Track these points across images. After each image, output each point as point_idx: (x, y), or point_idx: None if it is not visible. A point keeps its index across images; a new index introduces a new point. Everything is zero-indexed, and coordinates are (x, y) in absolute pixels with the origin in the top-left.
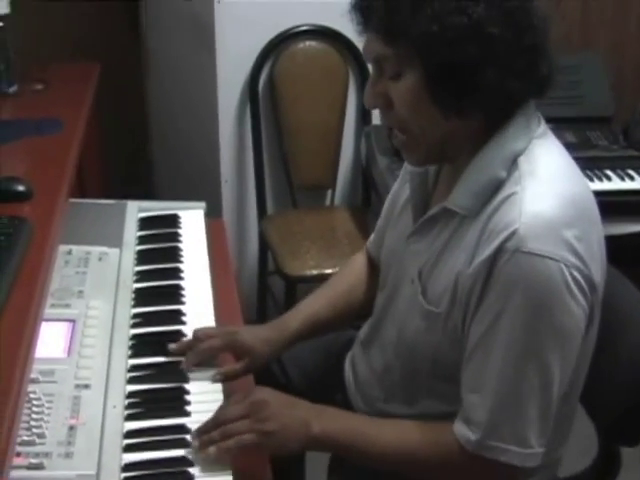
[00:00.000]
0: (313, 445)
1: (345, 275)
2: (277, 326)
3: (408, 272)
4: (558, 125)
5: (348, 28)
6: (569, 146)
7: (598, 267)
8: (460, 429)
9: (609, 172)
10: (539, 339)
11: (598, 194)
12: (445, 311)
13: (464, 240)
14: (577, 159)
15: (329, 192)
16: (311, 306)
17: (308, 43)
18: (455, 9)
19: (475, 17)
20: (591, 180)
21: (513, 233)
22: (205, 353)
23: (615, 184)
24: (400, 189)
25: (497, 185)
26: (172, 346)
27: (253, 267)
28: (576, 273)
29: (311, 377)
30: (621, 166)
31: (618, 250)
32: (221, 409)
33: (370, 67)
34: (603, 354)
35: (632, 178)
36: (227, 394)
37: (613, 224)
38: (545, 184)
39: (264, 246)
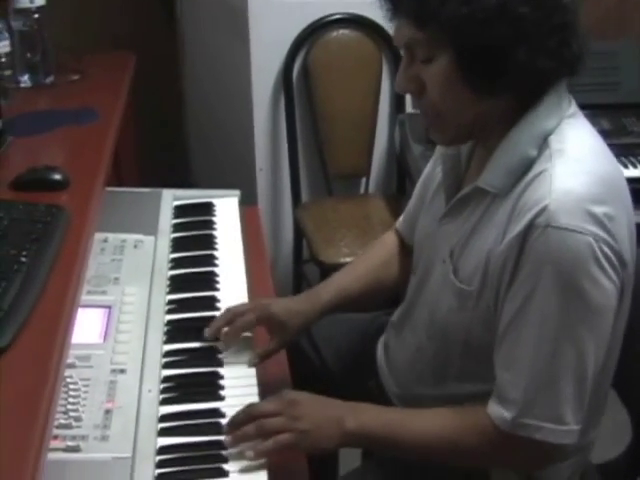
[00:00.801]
0: (349, 441)
1: (376, 251)
2: (309, 298)
3: (440, 253)
4: (593, 112)
5: (381, 16)
6: (604, 133)
7: (627, 246)
8: (494, 409)
9: None
10: (572, 314)
11: (632, 181)
12: (477, 289)
13: (495, 218)
14: (611, 146)
15: (363, 180)
16: (343, 279)
17: (341, 31)
18: None
19: None
20: (625, 167)
21: (544, 209)
22: (240, 330)
23: None
24: (432, 172)
25: (528, 164)
26: (207, 330)
27: (288, 255)
28: (606, 248)
29: (345, 360)
30: None
31: None
32: (254, 405)
33: (402, 53)
34: (635, 339)
35: None
36: (260, 378)
37: None
38: (575, 162)
39: (299, 234)
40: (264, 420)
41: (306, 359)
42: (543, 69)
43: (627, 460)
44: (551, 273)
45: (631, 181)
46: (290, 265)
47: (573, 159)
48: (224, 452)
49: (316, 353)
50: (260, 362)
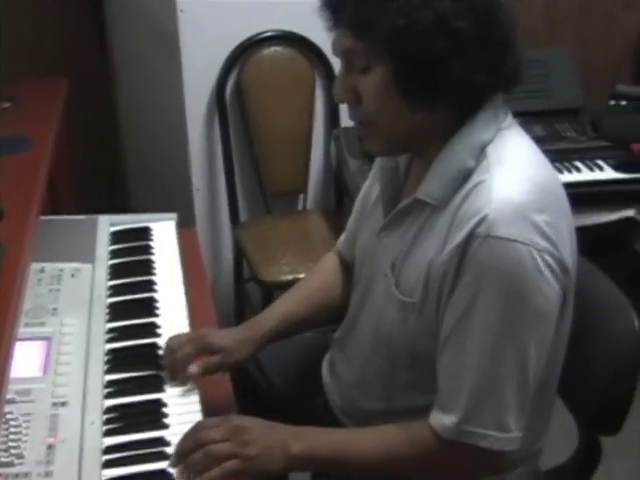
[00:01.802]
0: (294, 465)
1: (319, 273)
2: (252, 325)
3: (381, 267)
4: (526, 119)
5: (313, 32)
6: (538, 139)
7: (568, 252)
8: (437, 418)
9: (578, 163)
10: (514, 322)
11: (568, 186)
12: (419, 301)
13: (435, 229)
14: (546, 152)
15: (301, 196)
16: (286, 304)
17: (273, 49)
18: (421, 3)
19: (441, 12)
20: (561, 172)
21: (483, 219)
22: (181, 362)
23: (585, 175)
24: (371, 187)
25: (466, 174)
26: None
27: (229, 275)
28: (547, 256)
29: (291, 380)
30: (590, 157)
31: (591, 241)
32: (198, 429)
33: (338, 64)
34: (579, 347)
35: (601, 168)
36: (204, 403)
37: (584, 215)
38: (513, 171)
39: (239, 253)
40: (212, 447)
41: (251, 380)
42: (479, 83)
43: (575, 465)
44: (492, 282)
45: (567, 186)
46: (231, 285)
47: (511, 168)
48: None
49: (261, 374)
50: (201, 375)
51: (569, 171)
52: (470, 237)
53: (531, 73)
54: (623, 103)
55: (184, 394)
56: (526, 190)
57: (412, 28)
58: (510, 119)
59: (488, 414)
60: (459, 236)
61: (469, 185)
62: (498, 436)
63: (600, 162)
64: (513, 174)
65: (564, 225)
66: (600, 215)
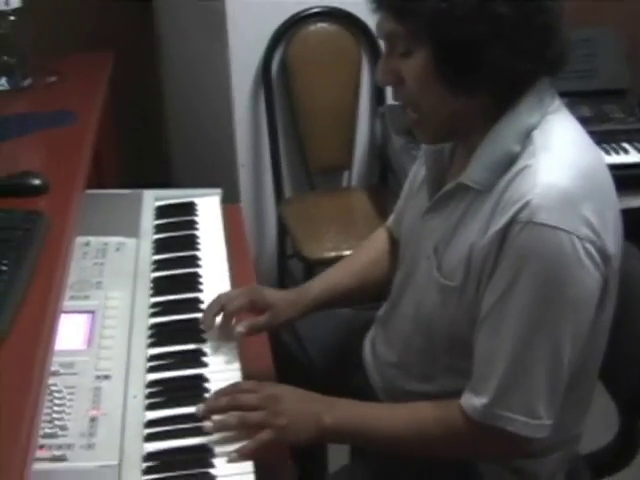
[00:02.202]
0: (325, 436)
1: (368, 248)
2: (298, 291)
3: (424, 249)
4: (573, 99)
5: (358, 8)
6: (584, 120)
7: (612, 239)
8: (467, 399)
9: (626, 145)
10: (550, 310)
11: (615, 167)
12: (460, 284)
13: (479, 213)
14: (593, 133)
15: (346, 173)
16: (333, 275)
17: (319, 25)
18: None
19: None
20: (607, 153)
21: (526, 204)
22: (234, 314)
23: (632, 157)
24: (418, 169)
25: (511, 159)
26: (204, 321)
27: (272, 251)
28: (588, 245)
29: (331, 356)
30: (638, 138)
31: (637, 223)
32: (235, 390)
33: (383, 45)
34: (621, 330)
35: None
36: (246, 378)
37: (631, 197)
38: (559, 157)
39: (282, 230)
40: (246, 414)
41: (292, 356)
42: (520, 69)
43: (614, 450)
44: (530, 269)
45: (614, 167)
46: (274, 261)
47: (557, 154)
48: (211, 458)
49: (302, 350)
50: (248, 334)
51: (616, 152)
52: (512, 222)
53: (578, 53)
54: None
55: (226, 368)
56: (571, 176)
57: (453, 12)
58: (557, 103)
59: (518, 399)
60: (502, 220)
61: (514, 170)
62: (527, 422)
63: None
64: (559, 160)
65: (609, 212)
66: None
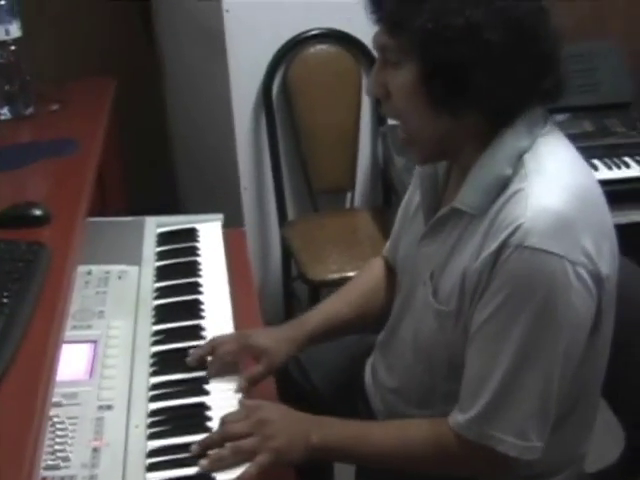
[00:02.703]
0: (314, 454)
1: (364, 277)
2: (295, 325)
3: (421, 275)
4: (575, 114)
5: (358, 30)
6: (586, 135)
7: (607, 260)
8: (455, 417)
9: (628, 159)
10: (540, 333)
11: (617, 182)
12: (455, 309)
13: (472, 238)
14: (595, 147)
15: (349, 194)
16: (330, 306)
17: (319, 47)
18: (454, 10)
19: (473, 20)
20: (609, 168)
21: (518, 228)
22: (223, 359)
23: (634, 171)
24: (412, 194)
25: (504, 183)
26: (189, 359)
27: (277, 273)
28: (580, 269)
29: (334, 383)
30: None
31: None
32: (224, 424)
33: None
34: (623, 348)
35: None
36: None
37: (634, 211)
38: (551, 179)
39: (287, 252)
40: (238, 443)
41: (294, 383)
42: (508, 96)
43: (621, 468)
44: (519, 292)
45: (616, 182)
46: (279, 283)
47: (549, 176)
48: None
49: (304, 377)
50: (249, 386)
51: (618, 167)
52: (503, 245)
53: (579, 67)
54: None
55: (228, 395)
56: (564, 199)
57: (441, 32)
58: (549, 125)
59: (507, 420)
60: (494, 244)
61: (507, 194)
62: (516, 443)
63: None
64: (551, 182)
65: (603, 233)
66: None
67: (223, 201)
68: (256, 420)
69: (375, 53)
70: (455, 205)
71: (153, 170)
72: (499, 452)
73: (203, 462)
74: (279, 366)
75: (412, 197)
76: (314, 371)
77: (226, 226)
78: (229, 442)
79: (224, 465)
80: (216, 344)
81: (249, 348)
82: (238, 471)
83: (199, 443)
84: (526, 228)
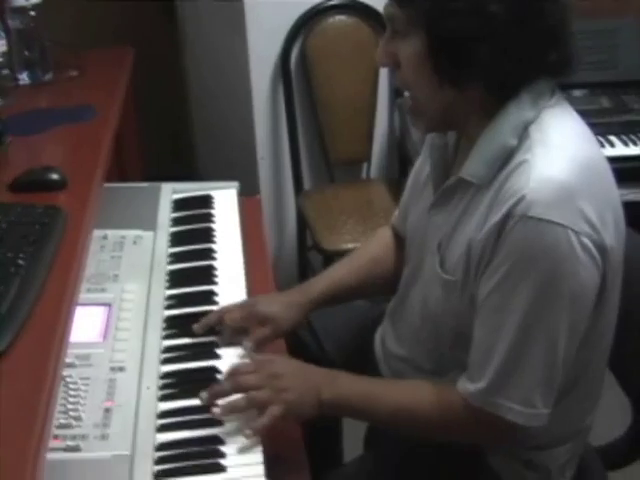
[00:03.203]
0: (325, 410)
1: (372, 245)
2: (300, 290)
3: (430, 244)
4: (593, 90)
5: (377, 1)
6: (604, 111)
7: (611, 231)
8: (462, 384)
9: None
10: (545, 303)
11: (634, 159)
12: (461, 279)
13: (478, 208)
14: (612, 124)
15: (365, 165)
16: (336, 272)
17: (338, 17)
18: None
19: None
20: (626, 145)
21: (521, 198)
22: (230, 326)
23: None
24: (422, 165)
25: (508, 153)
26: (196, 326)
27: (292, 243)
28: (585, 239)
29: (344, 349)
30: None
31: None
32: (234, 373)
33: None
34: (630, 323)
35: None
36: None
37: None
38: (556, 150)
39: (302, 222)
40: (253, 393)
41: (306, 349)
42: (513, 70)
43: (627, 442)
44: (524, 263)
45: (633, 159)
46: (294, 252)
47: (553, 147)
48: (222, 447)
49: (316, 343)
50: (255, 349)
51: (634, 143)
52: (508, 216)
53: (599, 44)
54: None
55: (239, 360)
56: (568, 169)
57: (447, 5)
58: (557, 97)
59: (513, 388)
60: (498, 215)
61: (512, 165)
62: (523, 411)
63: None
64: (555, 153)
65: (608, 204)
66: None
67: (240, 170)
68: (268, 373)
69: (384, 21)
70: (461, 175)
71: (171, 139)
72: (506, 420)
73: (216, 410)
74: (286, 330)
75: (422, 168)
76: (325, 337)
77: (242, 195)
78: (239, 393)
79: (236, 414)
80: (223, 313)
81: (256, 314)
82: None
83: (209, 391)
84: (530, 199)
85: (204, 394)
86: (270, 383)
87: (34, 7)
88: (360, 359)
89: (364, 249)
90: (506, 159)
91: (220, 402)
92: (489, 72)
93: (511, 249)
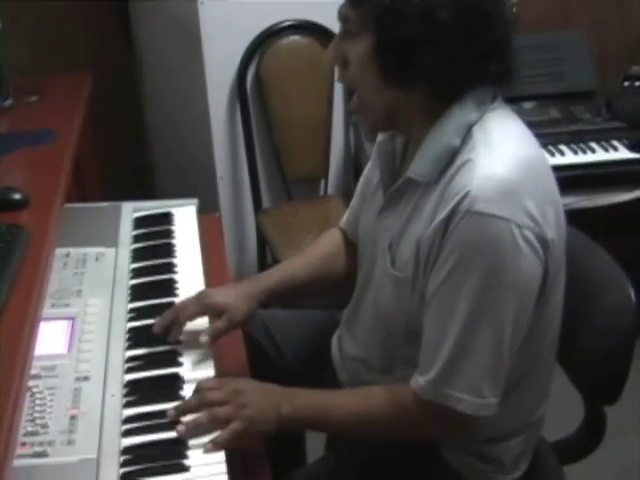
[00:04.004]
0: (285, 425)
1: (323, 243)
2: (253, 281)
3: (381, 246)
4: (542, 102)
5: (330, 21)
6: (553, 122)
7: (552, 225)
8: (414, 379)
9: (593, 144)
10: (490, 295)
11: (583, 166)
12: (411, 276)
13: (425, 207)
14: (562, 133)
15: (322, 182)
16: (288, 265)
17: (292, 38)
18: None
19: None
20: (575, 153)
21: (466, 195)
22: (185, 320)
23: (599, 155)
24: (371, 172)
25: (452, 153)
26: (155, 327)
27: (253, 260)
28: (527, 232)
29: (303, 354)
30: (605, 138)
31: (607, 221)
32: (200, 389)
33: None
34: (578, 320)
35: (616, 149)
36: (220, 376)
37: (600, 195)
38: (497, 149)
39: (262, 239)
40: (215, 409)
41: (265, 355)
42: (453, 74)
43: (581, 437)
44: (470, 256)
45: (582, 167)
46: (255, 270)
47: (495, 147)
48: (185, 448)
49: (275, 349)
50: (212, 341)
51: (584, 152)
52: (453, 212)
53: (546, 57)
54: (638, 84)
55: (200, 366)
56: (509, 167)
57: (395, 8)
58: (499, 101)
59: (462, 379)
60: (444, 212)
61: (456, 164)
62: (471, 400)
63: (615, 143)
64: (497, 152)
65: (548, 200)
66: (616, 195)
67: (200, 190)
68: (231, 389)
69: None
70: (408, 175)
71: (130, 162)
72: (457, 411)
73: (180, 428)
74: (241, 321)
75: (371, 174)
76: (284, 343)
77: (201, 213)
78: (204, 409)
79: (200, 431)
80: (178, 309)
81: (210, 306)
82: (210, 436)
83: (175, 408)
84: (473, 195)
85: (171, 411)
86: (233, 398)
87: None
88: (317, 364)
89: (317, 246)
90: (450, 158)
91: (184, 419)
92: (433, 75)
93: (456, 243)
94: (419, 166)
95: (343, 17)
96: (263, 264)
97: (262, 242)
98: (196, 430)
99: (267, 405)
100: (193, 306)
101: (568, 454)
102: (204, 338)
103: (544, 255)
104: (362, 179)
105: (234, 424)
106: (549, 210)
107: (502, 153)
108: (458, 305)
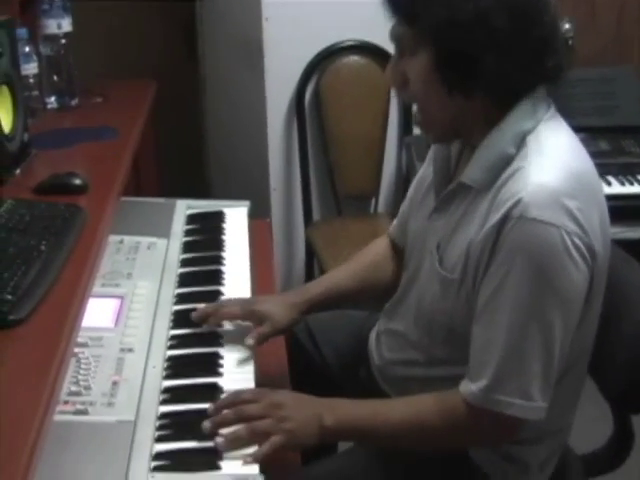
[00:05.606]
0: (327, 437)
1: (369, 253)
2: (297, 292)
3: (429, 246)
4: (592, 134)
5: (388, 43)
6: (603, 153)
7: (599, 238)
8: (465, 386)
9: None
10: (542, 300)
11: (632, 197)
12: (459, 278)
13: (477, 211)
14: (610, 165)
15: (373, 200)
16: (332, 277)
17: (352, 58)
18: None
19: (482, 7)
20: (622, 184)
21: (518, 201)
22: (224, 317)
23: None
24: (424, 175)
25: (507, 160)
26: (194, 314)
27: (300, 270)
28: (576, 240)
29: (342, 355)
30: None
31: None
32: (237, 402)
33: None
34: (609, 329)
35: None
36: (259, 366)
37: None
38: (550, 159)
39: (310, 251)
40: (256, 423)
41: (305, 353)
42: (513, 78)
43: (610, 451)
44: (522, 261)
45: (630, 197)
46: (302, 282)
47: (548, 156)
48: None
49: (316, 349)
50: (257, 344)
51: (631, 183)
52: (506, 218)
53: (599, 90)
54: None
55: (239, 349)
56: (560, 177)
57: (453, 20)
58: (552, 111)
59: (513, 384)
60: (496, 217)
61: (509, 171)
62: (523, 404)
63: None
64: (549, 162)
65: (595, 213)
66: None
67: (252, 200)
68: (270, 403)
69: (391, 42)
70: (461, 180)
71: (188, 171)
72: (507, 415)
73: (219, 440)
74: (283, 329)
75: (425, 177)
76: (325, 344)
77: (252, 218)
78: (243, 423)
79: (239, 445)
80: (222, 304)
81: (253, 313)
82: (250, 450)
83: (212, 420)
84: (526, 201)
85: (207, 423)
86: (272, 412)
87: (65, 35)
88: (354, 362)
89: (363, 255)
90: (504, 166)
91: (223, 431)
92: (494, 80)
93: (509, 248)
94: (473, 172)
95: (397, 37)
96: (310, 275)
97: (310, 254)
98: (235, 443)
99: (308, 417)
100: (236, 307)
101: (595, 467)
102: (250, 341)
103: (592, 263)
104: (414, 183)
105: (275, 438)
106: (596, 221)
107: (554, 164)
108: (510, 310)
